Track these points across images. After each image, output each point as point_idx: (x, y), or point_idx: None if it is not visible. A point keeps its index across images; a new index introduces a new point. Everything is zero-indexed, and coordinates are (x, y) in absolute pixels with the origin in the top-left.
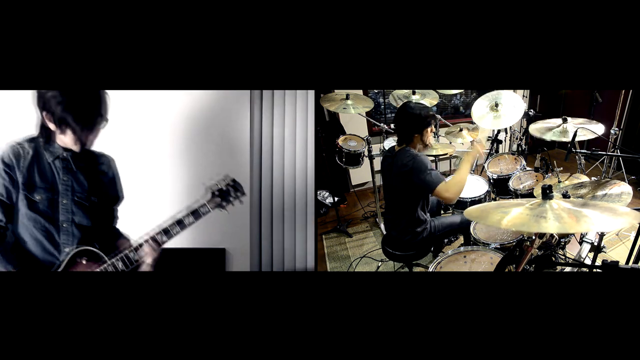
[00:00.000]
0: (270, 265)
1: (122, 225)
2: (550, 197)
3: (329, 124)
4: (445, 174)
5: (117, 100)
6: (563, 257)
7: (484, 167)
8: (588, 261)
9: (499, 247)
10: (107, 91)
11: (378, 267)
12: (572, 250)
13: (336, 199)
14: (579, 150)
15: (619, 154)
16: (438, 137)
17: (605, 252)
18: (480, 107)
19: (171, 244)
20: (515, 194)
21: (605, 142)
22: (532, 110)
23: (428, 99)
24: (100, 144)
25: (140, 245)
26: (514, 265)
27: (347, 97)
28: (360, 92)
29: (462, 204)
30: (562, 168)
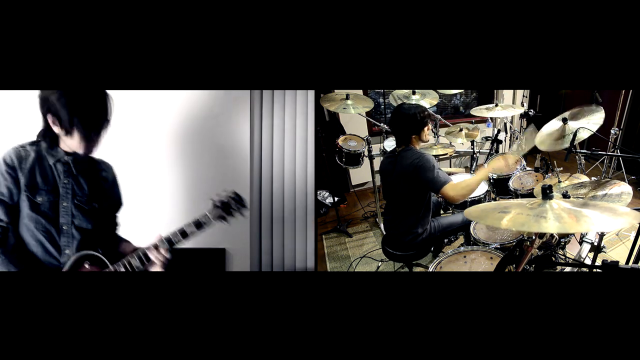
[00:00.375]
0: (270, 265)
1: (124, 231)
2: (550, 197)
3: (329, 124)
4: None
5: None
6: (563, 257)
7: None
8: (588, 261)
9: (499, 247)
10: (111, 94)
11: (378, 267)
12: (572, 250)
13: (336, 199)
14: (579, 150)
15: (619, 154)
16: (438, 137)
17: (605, 252)
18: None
19: None
20: (515, 194)
21: (605, 142)
22: (532, 110)
23: (428, 99)
24: (100, 148)
25: (144, 253)
26: (514, 265)
27: (347, 97)
28: (360, 92)
29: (462, 204)
30: (562, 168)
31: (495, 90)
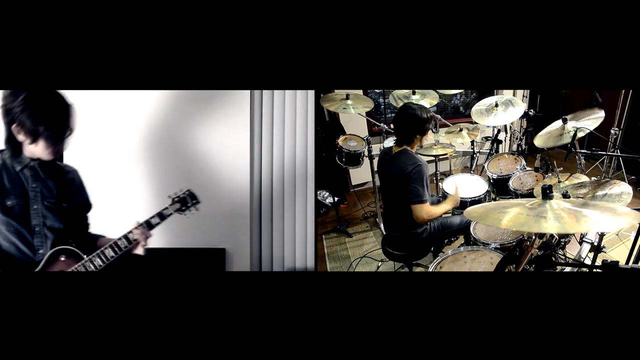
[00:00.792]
0: (270, 265)
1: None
2: (550, 197)
3: (329, 124)
4: (446, 174)
5: (115, 104)
6: (563, 257)
7: (484, 167)
8: (588, 261)
9: (499, 247)
10: (72, 104)
11: (378, 267)
12: (572, 250)
13: (336, 199)
14: (579, 150)
15: (619, 154)
16: (438, 137)
17: (605, 252)
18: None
19: (171, 244)
20: (515, 194)
21: (605, 142)
22: (532, 110)
23: (428, 99)
24: (99, 148)
25: (125, 236)
26: (514, 265)
27: (347, 97)
28: (360, 92)
29: (462, 204)
30: (562, 168)
31: (495, 91)
